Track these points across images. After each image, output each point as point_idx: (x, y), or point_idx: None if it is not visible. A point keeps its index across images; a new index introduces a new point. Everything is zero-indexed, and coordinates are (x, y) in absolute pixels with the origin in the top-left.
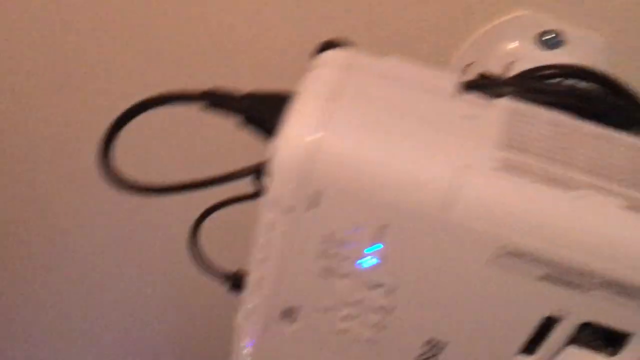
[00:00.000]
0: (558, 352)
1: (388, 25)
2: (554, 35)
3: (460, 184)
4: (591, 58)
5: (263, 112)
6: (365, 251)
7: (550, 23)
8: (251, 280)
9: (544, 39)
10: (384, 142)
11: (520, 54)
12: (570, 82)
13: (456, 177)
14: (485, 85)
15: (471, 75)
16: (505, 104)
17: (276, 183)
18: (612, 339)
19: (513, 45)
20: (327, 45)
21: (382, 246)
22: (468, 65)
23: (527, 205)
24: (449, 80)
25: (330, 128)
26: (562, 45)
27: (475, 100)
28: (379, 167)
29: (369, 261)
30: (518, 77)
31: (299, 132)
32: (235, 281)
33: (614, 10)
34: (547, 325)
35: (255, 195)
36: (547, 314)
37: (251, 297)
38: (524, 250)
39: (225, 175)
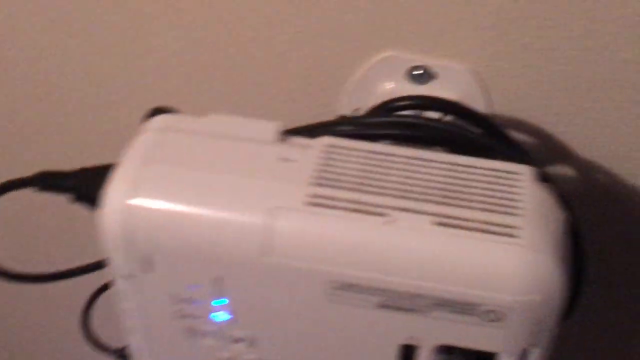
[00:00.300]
0: None
1: (268, 77)
2: (422, 70)
3: (273, 226)
4: (462, 87)
5: (92, 186)
6: (213, 306)
7: (416, 59)
8: (132, 351)
9: (414, 74)
10: (196, 198)
11: (396, 92)
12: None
13: (268, 220)
14: (313, 127)
15: None
16: (325, 143)
17: (109, 252)
18: None
19: (389, 85)
20: (155, 112)
21: (227, 300)
22: (356, 110)
23: (341, 238)
24: (270, 128)
25: (143, 192)
26: (434, 79)
27: (297, 143)
28: (192, 223)
29: (221, 316)
30: (366, 114)
31: (115, 200)
32: (122, 354)
33: (474, 38)
34: (409, 355)
35: None
36: (401, 342)
37: None
38: (350, 282)
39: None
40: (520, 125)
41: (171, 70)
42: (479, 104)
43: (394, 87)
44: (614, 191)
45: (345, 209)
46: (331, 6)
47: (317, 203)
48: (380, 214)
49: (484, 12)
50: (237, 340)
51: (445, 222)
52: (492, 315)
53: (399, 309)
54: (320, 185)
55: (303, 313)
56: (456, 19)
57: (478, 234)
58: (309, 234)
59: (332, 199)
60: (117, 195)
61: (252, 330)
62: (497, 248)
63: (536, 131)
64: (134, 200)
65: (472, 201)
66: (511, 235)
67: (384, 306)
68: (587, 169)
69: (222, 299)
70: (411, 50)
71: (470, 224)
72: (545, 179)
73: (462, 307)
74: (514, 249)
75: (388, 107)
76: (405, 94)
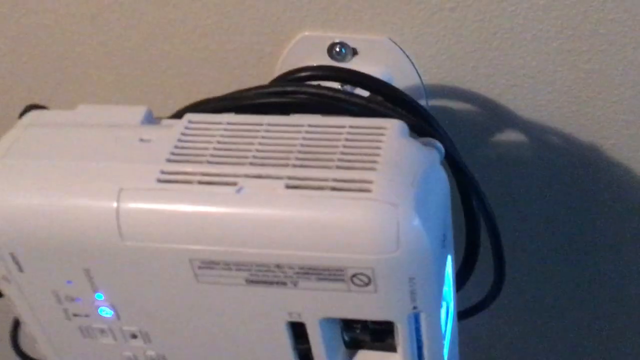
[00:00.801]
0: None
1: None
2: (341, 47)
3: (124, 208)
4: (384, 58)
5: None
6: (97, 300)
7: (336, 37)
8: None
9: (335, 51)
10: (48, 189)
11: None
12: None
13: (119, 202)
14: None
15: None
16: (185, 120)
17: None
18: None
19: (314, 64)
20: (27, 109)
21: (102, 295)
22: None
23: (191, 213)
24: (136, 112)
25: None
26: (356, 54)
27: (162, 124)
28: (47, 214)
29: (106, 312)
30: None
31: None
32: None
33: (388, 8)
34: (301, 333)
35: None
36: (283, 319)
37: None
38: (211, 258)
39: None
40: (453, 92)
41: (95, 70)
42: (405, 73)
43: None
44: (557, 148)
45: (196, 182)
46: None
47: (168, 180)
48: (232, 184)
49: None
50: (133, 336)
51: (298, 185)
52: (361, 279)
53: (267, 283)
54: (174, 161)
55: (179, 298)
56: None
57: (330, 193)
58: (158, 213)
59: (184, 173)
60: None
61: (137, 323)
62: (348, 205)
63: (471, 96)
64: None
65: (330, 160)
66: (363, 190)
67: (252, 281)
68: (525, 130)
69: (99, 293)
70: (329, 28)
71: (323, 184)
72: (423, 131)
73: (327, 274)
74: (364, 203)
75: (287, 79)
76: None
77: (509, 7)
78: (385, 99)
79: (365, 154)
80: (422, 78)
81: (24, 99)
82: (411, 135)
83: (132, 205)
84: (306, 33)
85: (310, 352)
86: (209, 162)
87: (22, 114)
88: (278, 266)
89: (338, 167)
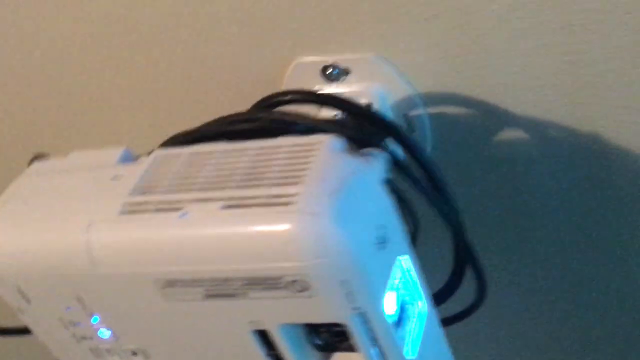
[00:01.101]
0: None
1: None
2: (334, 68)
3: (92, 239)
4: (376, 75)
5: None
6: (94, 324)
7: (327, 59)
8: None
9: (327, 73)
10: (35, 228)
11: None
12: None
13: (88, 235)
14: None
15: None
16: (153, 155)
17: None
18: None
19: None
20: (33, 159)
21: (98, 317)
22: None
23: (145, 239)
24: (113, 154)
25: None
26: (348, 73)
27: (138, 160)
28: (35, 250)
29: (104, 333)
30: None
31: None
32: None
33: (374, 27)
34: (268, 340)
35: None
36: (248, 328)
37: None
38: (170, 278)
39: None
40: (448, 97)
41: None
42: (398, 85)
43: (315, 89)
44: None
45: (151, 210)
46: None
47: (130, 211)
48: (178, 209)
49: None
50: (133, 354)
51: (236, 204)
52: (298, 285)
53: (223, 296)
54: (136, 194)
55: (158, 316)
56: (353, 14)
57: (260, 209)
58: (120, 241)
59: (143, 204)
60: None
61: (134, 342)
62: (274, 218)
63: (465, 99)
64: None
65: (266, 179)
66: (289, 204)
67: (211, 296)
68: (521, 126)
69: (94, 316)
70: (320, 51)
71: (255, 201)
72: (362, 141)
73: (269, 283)
74: (288, 216)
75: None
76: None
77: (488, 6)
78: (351, 115)
79: (296, 170)
80: (416, 88)
81: (37, 143)
82: (352, 147)
83: (99, 236)
84: (300, 59)
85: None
86: (163, 192)
87: (30, 163)
88: (226, 280)
89: (272, 185)
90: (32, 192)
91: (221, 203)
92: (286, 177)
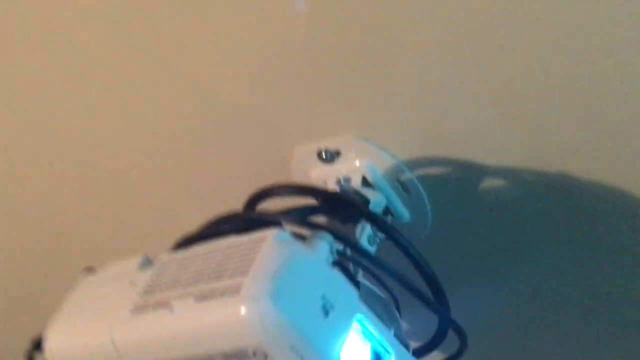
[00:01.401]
0: None
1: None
2: (327, 151)
3: (114, 337)
4: (365, 154)
5: None
6: None
7: (320, 145)
8: None
9: (323, 157)
10: (74, 331)
11: (320, 176)
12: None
13: (111, 333)
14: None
15: None
16: (160, 261)
17: None
18: None
19: (315, 171)
20: (84, 271)
21: None
22: None
23: (150, 332)
24: (134, 262)
25: (51, 333)
26: (340, 154)
27: (149, 266)
28: (77, 350)
29: None
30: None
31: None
32: None
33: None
34: None
35: None
36: None
37: None
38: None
39: None
40: (428, 160)
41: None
42: (381, 158)
43: (318, 171)
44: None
45: (151, 309)
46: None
47: (137, 311)
48: (166, 305)
49: (348, 90)
50: None
51: (204, 296)
52: (260, 356)
53: None
54: (143, 295)
55: None
56: (331, 102)
57: (221, 299)
58: (134, 334)
59: (146, 304)
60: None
61: None
62: (229, 306)
63: (443, 159)
64: (49, 339)
65: (226, 272)
66: (238, 292)
67: None
68: (498, 172)
69: None
70: (313, 139)
71: (219, 292)
72: (312, 225)
73: (240, 355)
74: (237, 303)
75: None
76: (319, 175)
77: (444, 73)
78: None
79: (247, 261)
80: (398, 157)
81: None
82: (300, 232)
83: (118, 334)
84: (297, 147)
85: None
86: (161, 291)
87: (81, 273)
88: (210, 357)
89: (229, 276)
90: (76, 301)
91: (195, 297)
92: (239, 269)
